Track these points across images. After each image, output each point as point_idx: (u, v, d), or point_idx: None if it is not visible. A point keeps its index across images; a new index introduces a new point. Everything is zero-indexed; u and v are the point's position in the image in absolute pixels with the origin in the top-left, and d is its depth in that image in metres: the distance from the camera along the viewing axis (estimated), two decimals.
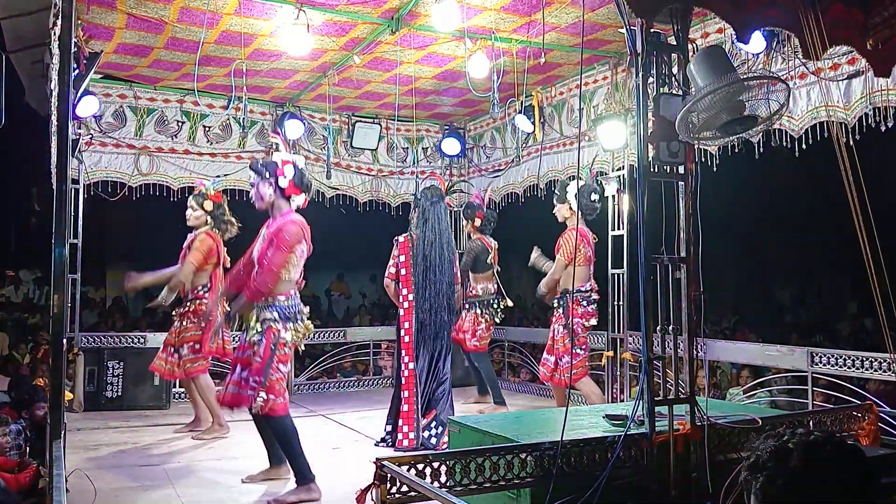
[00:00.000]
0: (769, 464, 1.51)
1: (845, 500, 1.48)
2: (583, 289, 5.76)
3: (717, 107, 3.26)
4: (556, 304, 5.90)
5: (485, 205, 7.05)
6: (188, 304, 5.89)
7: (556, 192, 6.08)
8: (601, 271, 6.38)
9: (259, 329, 4.27)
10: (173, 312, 6.03)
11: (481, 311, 6.89)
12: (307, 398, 7.71)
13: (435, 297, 5.45)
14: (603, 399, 6.06)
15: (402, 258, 5.52)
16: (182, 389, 7.44)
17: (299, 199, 4.48)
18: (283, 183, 4.38)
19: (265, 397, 4.21)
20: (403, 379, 5.45)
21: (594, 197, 5.98)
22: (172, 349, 5.90)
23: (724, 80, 3.20)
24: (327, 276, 15.73)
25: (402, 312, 5.52)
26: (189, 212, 5.97)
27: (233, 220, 6.08)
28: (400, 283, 5.54)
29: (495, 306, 6.98)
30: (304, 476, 4.24)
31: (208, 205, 5.94)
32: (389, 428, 5.51)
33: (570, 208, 5.91)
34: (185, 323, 5.87)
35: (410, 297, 5.48)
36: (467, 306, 6.87)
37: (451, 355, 5.62)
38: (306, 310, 4.49)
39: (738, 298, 14.47)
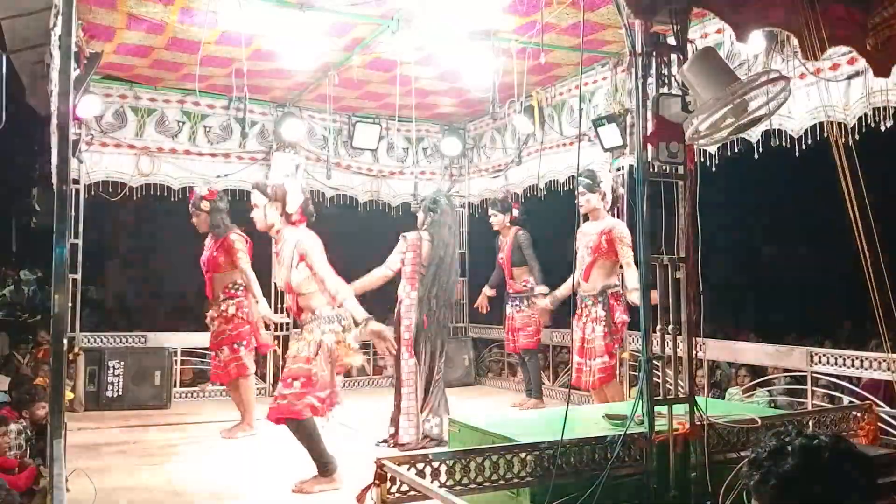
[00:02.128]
0: (765, 463, 1.48)
1: None
2: (617, 283, 5.59)
3: (722, 111, 3.27)
4: (589, 303, 5.52)
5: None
6: (222, 304, 5.89)
7: (584, 178, 5.57)
8: None
9: (311, 341, 4.33)
10: (208, 318, 6.02)
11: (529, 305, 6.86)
12: None
13: (441, 295, 5.50)
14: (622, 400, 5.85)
15: (410, 255, 5.52)
16: (190, 388, 7.50)
17: (301, 225, 4.58)
18: (291, 209, 4.48)
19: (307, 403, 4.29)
20: (404, 375, 5.46)
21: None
22: (214, 353, 5.97)
23: (732, 89, 3.20)
24: None
25: (402, 309, 5.52)
26: (194, 220, 6.07)
27: (227, 221, 6.06)
28: (403, 280, 5.55)
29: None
30: (327, 465, 4.33)
31: (205, 205, 6.00)
32: (392, 431, 5.51)
33: (603, 198, 5.61)
34: (220, 325, 5.88)
35: (413, 294, 5.49)
36: (523, 301, 6.83)
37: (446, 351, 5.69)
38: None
39: (738, 298, 14.47)
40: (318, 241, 4.45)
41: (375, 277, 5.58)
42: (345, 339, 4.38)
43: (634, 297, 5.21)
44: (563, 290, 5.95)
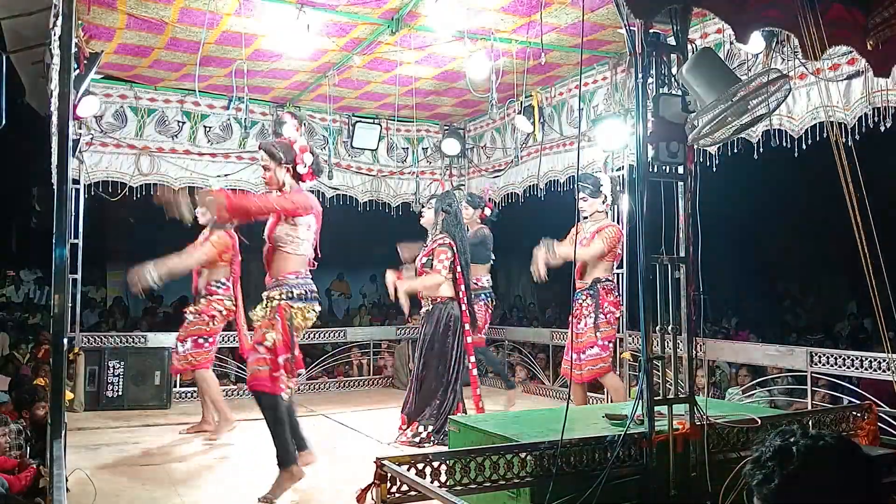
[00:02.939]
0: (769, 463, 1.46)
1: None
2: (611, 278, 5.60)
3: (723, 112, 3.27)
4: (581, 298, 5.53)
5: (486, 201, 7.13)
6: (201, 299, 5.90)
7: (585, 184, 5.60)
8: None
9: (270, 307, 4.29)
10: (188, 310, 6.03)
11: (490, 302, 6.93)
12: (307, 398, 7.71)
13: (470, 298, 5.75)
14: (624, 395, 5.75)
15: (453, 261, 5.60)
16: (191, 388, 7.49)
17: (310, 183, 4.56)
18: (302, 170, 4.40)
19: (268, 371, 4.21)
20: (469, 377, 5.63)
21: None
22: (177, 344, 5.95)
23: (732, 90, 3.20)
24: (327, 276, 15.74)
25: (457, 312, 5.62)
26: (198, 210, 5.99)
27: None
28: (453, 284, 5.65)
29: (493, 298, 7.05)
30: (288, 459, 4.21)
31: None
32: (430, 428, 5.44)
33: (605, 202, 5.64)
34: (192, 318, 5.88)
35: (465, 298, 5.66)
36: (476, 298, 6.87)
37: None
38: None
39: (738, 298, 14.47)
40: (308, 196, 4.39)
41: (433, 283, 5.58)
42: (304, 309, 4.32)
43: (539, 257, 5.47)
44: (564, 250, 5.52)
